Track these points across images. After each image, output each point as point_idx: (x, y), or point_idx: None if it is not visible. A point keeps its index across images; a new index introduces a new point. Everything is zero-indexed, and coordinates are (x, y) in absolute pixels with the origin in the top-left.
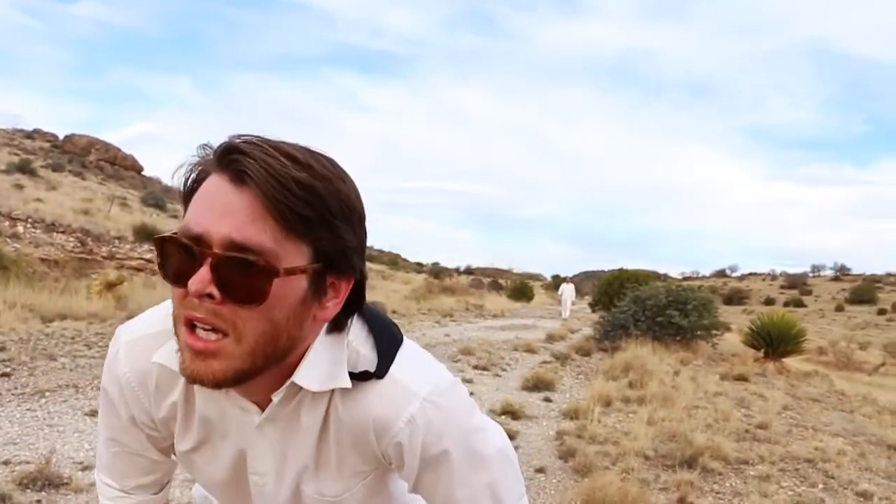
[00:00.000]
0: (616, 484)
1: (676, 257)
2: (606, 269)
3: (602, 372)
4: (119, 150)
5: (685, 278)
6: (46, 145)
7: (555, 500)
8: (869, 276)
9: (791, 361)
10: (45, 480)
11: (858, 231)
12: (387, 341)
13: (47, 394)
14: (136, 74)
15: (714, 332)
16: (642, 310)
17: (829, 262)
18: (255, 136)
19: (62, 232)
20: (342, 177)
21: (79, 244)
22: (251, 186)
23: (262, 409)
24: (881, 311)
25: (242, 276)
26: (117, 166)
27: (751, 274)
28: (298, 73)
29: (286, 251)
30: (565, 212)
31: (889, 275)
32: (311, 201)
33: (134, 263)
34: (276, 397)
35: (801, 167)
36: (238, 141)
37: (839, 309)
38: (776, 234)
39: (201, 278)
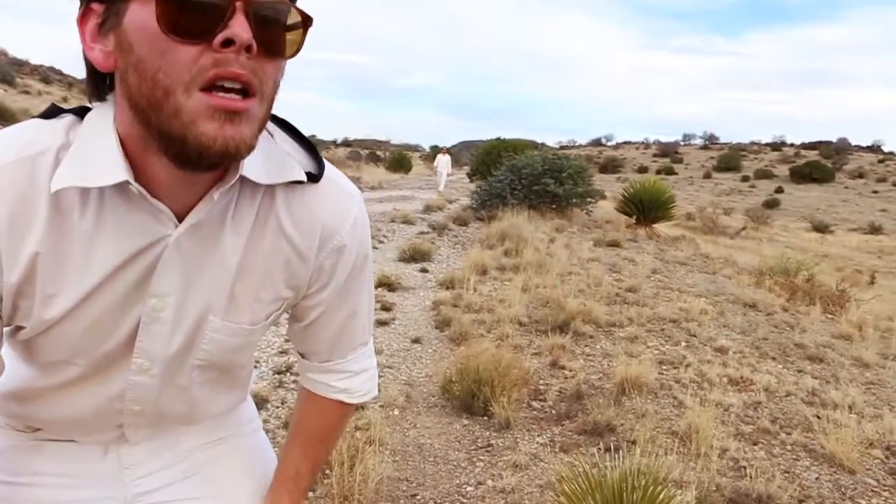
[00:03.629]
0: (490, 351)
1: (554, 126)
2: (485, 139)
3: (478, 241)
4: None
5: (562, 147)
6: None
7: (430, 370)
8: (735, 144)
9: (661, 227)
10: None
11: (727, 100)
12: (308, 141)
13: None
14: None
15: (588, 199)
16: (518, 178)
17: (699, 130)
18: None
19: None
20: None
21: None
22: None
23: (179, 218)
24: (745, 178)
25: (278, 26)
26: None
27: (625, 143)
28: None
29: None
30: (444, 81)
31: (753, 143)
32: None
33: None
34: (218, 193)
35: (675, 37)
36: None
37: (707, 176)
38: (650, 103)
39: (245, 27)
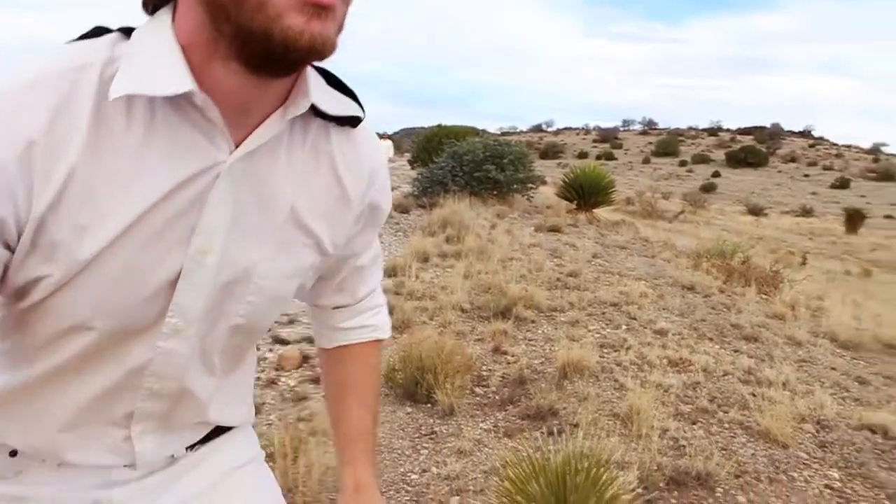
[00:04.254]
0: (433, 338)
1: (495, 113)
2: (426, 126)
3: (420, 228)
4: None
5: (503, 133)
6: None
7: None
8: (673, 129)
9: (601, 212)
10: None
11: (665, 86)
12: (349, 88)
13: None
14: None
15: (529, 185)
16: (460, 165)
17: (639, 116)
18: None
19: None
20: None
21: None
22: None
23: (236, 144)
24: (682, 163)
25: None
26: None
27: (566, 128)
28: None
29: None
30: (386, 68)
31: (690, 128)
32: None
33: None
34: (290, 114)
35: (615, 24)
36: None
37: (646, 161)
38: (590, 89)
39: None
